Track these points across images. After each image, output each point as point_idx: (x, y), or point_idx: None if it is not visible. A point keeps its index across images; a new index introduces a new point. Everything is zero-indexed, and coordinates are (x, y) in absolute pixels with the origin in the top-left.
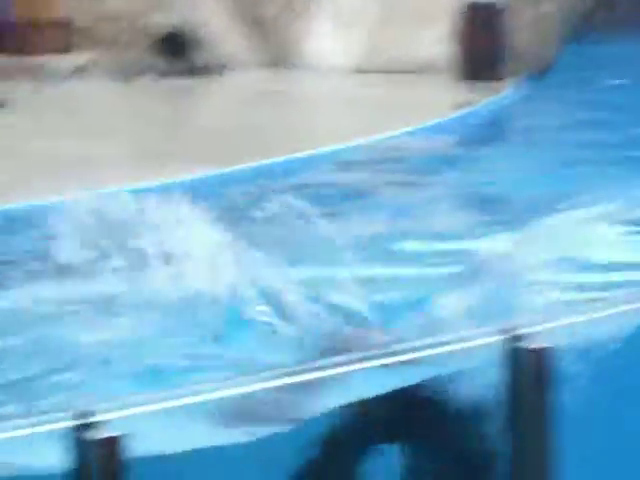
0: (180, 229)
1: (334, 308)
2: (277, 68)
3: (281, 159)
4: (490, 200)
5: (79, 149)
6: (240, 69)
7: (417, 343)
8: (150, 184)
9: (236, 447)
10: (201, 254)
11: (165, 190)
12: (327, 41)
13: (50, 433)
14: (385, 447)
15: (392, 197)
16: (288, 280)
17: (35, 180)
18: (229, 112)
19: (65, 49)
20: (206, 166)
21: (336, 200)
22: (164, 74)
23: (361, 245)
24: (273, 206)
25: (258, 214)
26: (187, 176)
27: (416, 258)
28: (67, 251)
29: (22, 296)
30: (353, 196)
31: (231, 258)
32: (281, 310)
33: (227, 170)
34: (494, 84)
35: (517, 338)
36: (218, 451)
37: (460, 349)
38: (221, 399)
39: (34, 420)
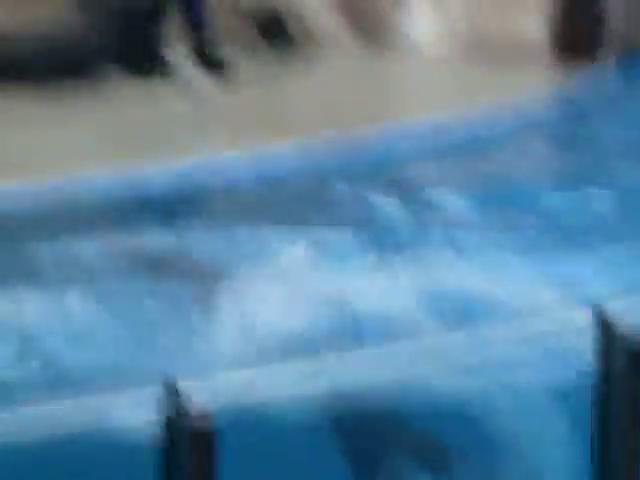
0: None
1: None
2: (372, 50)
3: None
4: None
5: None
6: (335, 50)
7: None
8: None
9: None
10: None
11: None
12: (423, 23)
13: (141, 403)
14: None
15: None
16: None
17: None
18: (322, 91)
19: None
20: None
21: None
22: (258, 52)
23: None
24: None
25: None
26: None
27: None
28: None
29: None
30: None
31: None
32: None
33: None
34: (592, 66)
35: None
36: None
37: None
38: None
39: (124, 389)
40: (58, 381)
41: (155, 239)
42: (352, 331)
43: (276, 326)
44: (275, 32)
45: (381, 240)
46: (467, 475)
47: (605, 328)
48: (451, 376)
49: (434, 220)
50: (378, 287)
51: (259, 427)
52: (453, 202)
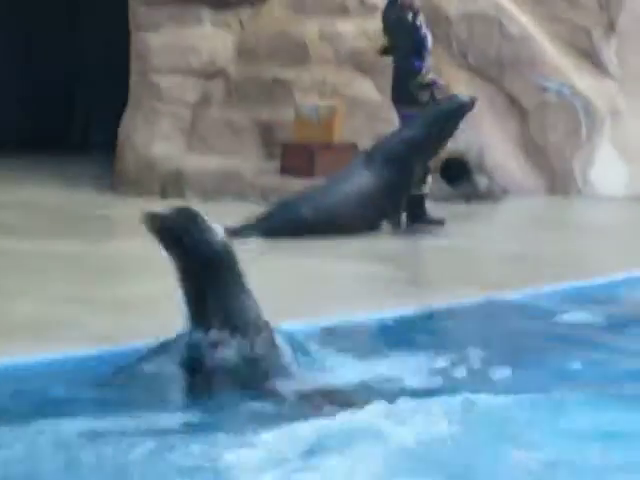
0: None
1: None
2: (557, 195)
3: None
4: None
5: None
6: (521, 195)
7: None
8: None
9: None
10: None
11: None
12: (610, 169)
13: None
14: None
15: None
16: None
17: None
18: (507, 238)
19: None
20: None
21: None
22: (445, 198)
23: None
24: None
25: None
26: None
27: None
28: None
29: None
30: None
31: None
32: None
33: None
34: None
35: None
36: None
37: None
38: None
39: None
40: None
41: None
42: None
43: None
44: (460, 177)
45: None
46: None
47: None
48: None
49: None
50: None
51: None
52: None
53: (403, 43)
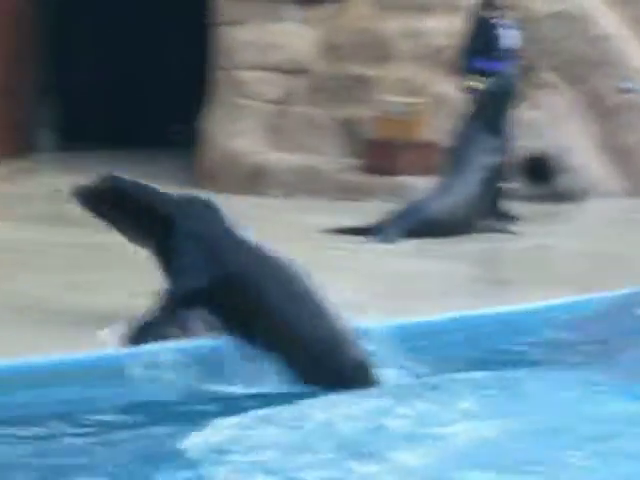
0: None
1: None
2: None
3: None
4: None
5: None
6: (602, 196)
7: None
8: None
9: None
10: None
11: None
12: None
13: None
14: None
15: None
16: None
17: None
18: (590, 238)
19: (428, 170)
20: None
21: None
22: (527, 198)
23: None
24: None
25: None
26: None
27: None
28: None
29: None
30: None
31: None
32: None
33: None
34: None
35: None
36: None
37: None
38: None
39: None
40: None
41: None
42: None
43: None
44: (542, 177)
45: None
46: None
47: None
48: None
49: None
50: None
51: None
52: None
53: (475, 41)
